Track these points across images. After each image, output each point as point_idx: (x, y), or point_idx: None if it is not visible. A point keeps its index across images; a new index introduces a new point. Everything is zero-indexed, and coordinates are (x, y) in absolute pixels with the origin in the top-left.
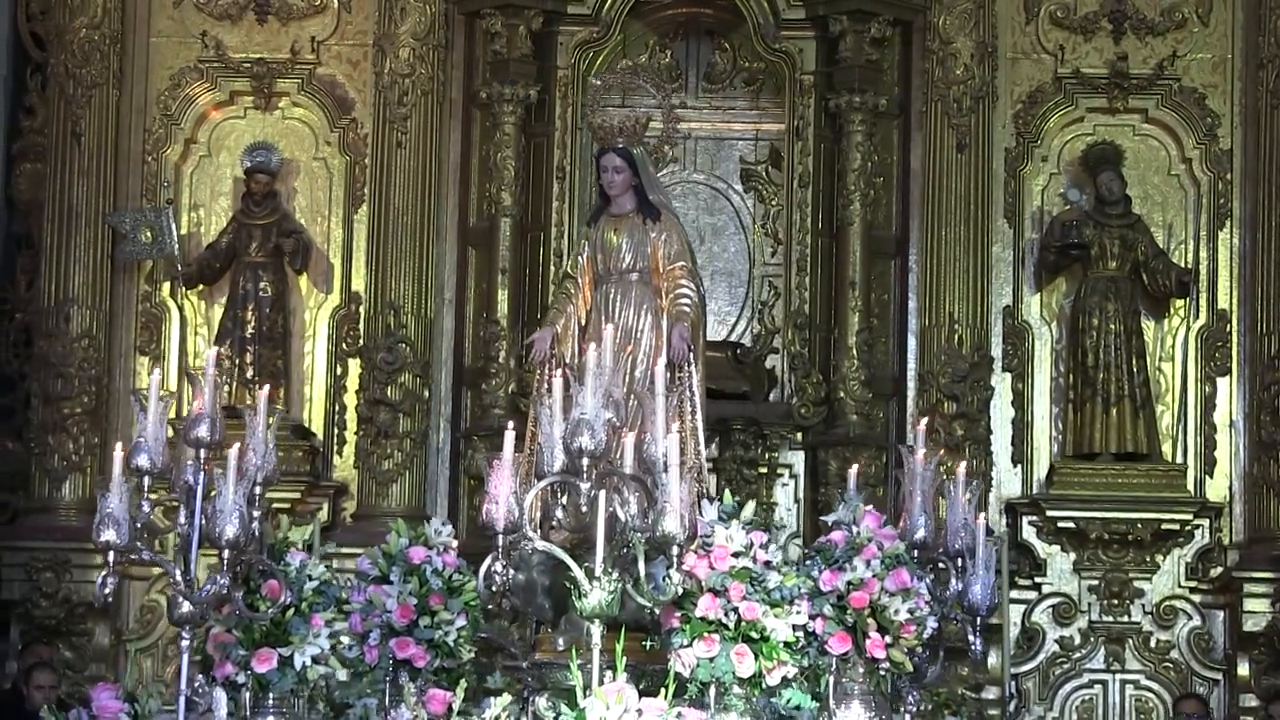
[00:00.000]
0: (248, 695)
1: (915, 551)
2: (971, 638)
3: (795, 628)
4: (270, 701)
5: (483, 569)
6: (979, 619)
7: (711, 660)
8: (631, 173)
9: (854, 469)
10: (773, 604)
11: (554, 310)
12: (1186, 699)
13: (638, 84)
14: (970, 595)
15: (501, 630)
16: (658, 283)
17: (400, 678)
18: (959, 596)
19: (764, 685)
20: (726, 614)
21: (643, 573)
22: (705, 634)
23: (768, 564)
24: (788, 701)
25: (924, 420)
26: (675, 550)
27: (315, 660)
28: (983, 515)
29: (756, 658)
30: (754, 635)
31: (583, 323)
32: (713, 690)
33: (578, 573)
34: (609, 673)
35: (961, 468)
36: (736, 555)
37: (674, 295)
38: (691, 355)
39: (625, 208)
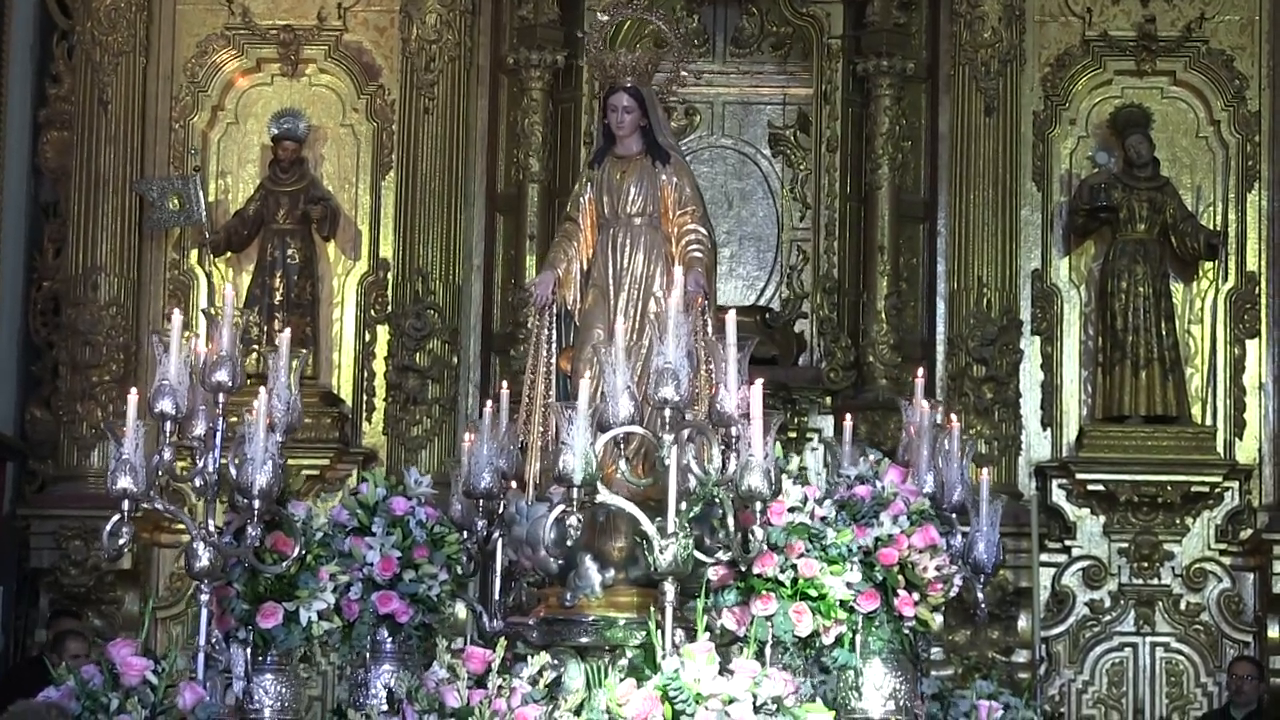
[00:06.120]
0: (249, 651)
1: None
2: (978, 596)
3: (849, 585)
4: (270, 659)
5: (548, 521)
6: (984, 576)
7: (769, 619)
8: (640, 113)
9: (848, 420)
10: (830, 561)
11: (555, 253)
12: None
13: (650, 23)
14: (975, 553)
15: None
16: (667, 228)
17: (380, 633)
18: (963, 553)
19: (819, 645)
20: (783, 570)
21: (732, 528)
22: (762, 591)
23: (824, 520)
24: (835, 661)
25: (919, 370)
26: (759, 506)
27: (320, 616)
28: (986, 471)
29: (814, 616)
30: (811, 593)
31: (585, 267)
32: (769, 649)
33: (649, 528)
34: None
35: (954, 422)
36: (792, 510)
37: (685, 241)
38: (705, 302)
39: (631, 149)
